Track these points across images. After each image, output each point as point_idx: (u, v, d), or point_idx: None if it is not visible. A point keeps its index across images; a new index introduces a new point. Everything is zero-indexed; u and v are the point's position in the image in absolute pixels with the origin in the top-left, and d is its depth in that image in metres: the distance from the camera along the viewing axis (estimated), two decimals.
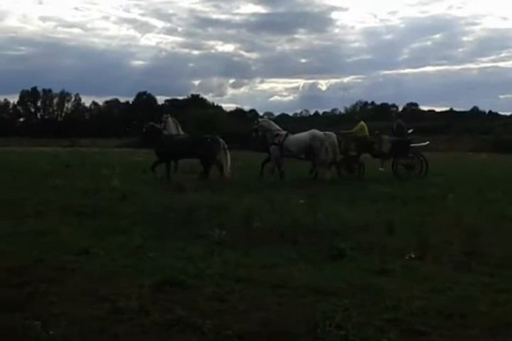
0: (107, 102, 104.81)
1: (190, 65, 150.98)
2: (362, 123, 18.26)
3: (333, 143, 16.82)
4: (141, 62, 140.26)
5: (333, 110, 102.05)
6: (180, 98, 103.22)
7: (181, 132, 18.04)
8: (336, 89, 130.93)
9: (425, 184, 15.08)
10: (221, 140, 16.36)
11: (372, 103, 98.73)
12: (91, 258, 6.67)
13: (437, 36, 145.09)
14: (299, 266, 6.43)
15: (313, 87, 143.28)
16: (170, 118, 18.04)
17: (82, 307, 4.85)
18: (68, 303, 4.97)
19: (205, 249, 7.27)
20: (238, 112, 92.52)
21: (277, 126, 17.59)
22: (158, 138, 16.71)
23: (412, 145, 18.03)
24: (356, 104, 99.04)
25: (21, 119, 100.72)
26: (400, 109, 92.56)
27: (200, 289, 5.43)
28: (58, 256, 6.68)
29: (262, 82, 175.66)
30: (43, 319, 4.50)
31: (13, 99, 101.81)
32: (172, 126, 17.69)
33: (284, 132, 17.25)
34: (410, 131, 18.67)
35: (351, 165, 17.48)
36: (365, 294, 5.35)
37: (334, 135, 17.21)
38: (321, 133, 17.00)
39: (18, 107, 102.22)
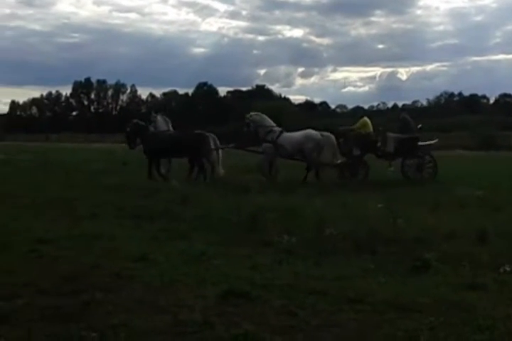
0: (164, 94, 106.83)
1: (255, 52, 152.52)
2: (365, 119, 17.94)
3: (331, 145, 16.65)
4: (201, 50, 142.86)
5: (414, 102, 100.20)
6: (243, 89, 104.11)
7: (171, 129, 18.60)
8: (417, 79, 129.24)
9: None
10: (212, 136, 16.75)
11: (460, 94, 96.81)
12: (150, 265, 6.82)
13: None
14: (377, 278, 6.38)
15: (391, 76, 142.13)
16: (159, 117, 18.70)
17: (142, 319, 4.96)
18: (126, 314, 5.08)
19: (273, 257, 7.32)
20: (308, 105, 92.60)
21: (271, 122, 17.54)
22: (145, 136, 17.28)
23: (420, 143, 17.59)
24: (441, 95, 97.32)
25: (74, 113, 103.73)
26: (492, 100, 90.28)
27: (268, 301, 5.46)
28: (115, 262, 6.86)
29: (334, 70, 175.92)
30: (100, 330, 4.62)
31: (66, 91, 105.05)
32: (162, 124, 18.25)
33: (278, 129, 17.20)
34: (419, 126, 18.18)
35: (355, 167, 17.15)
36: (453, 311, 5.25)
37: (332, 136, 16.92)
38: (317, 133, 16.83)
39: (71, 100, 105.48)
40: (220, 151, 16.83)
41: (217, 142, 16.91)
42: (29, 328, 4.66)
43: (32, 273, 6.36)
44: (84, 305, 5.30)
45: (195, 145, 16.37)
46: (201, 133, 17.00)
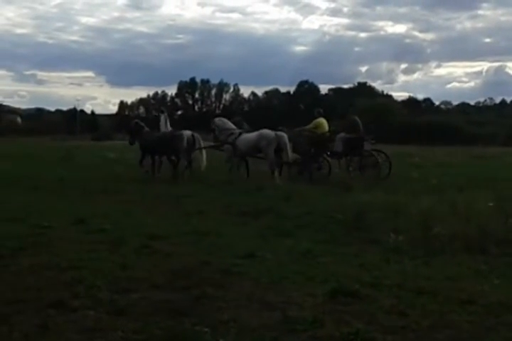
0: (266, 92, 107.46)
1: (357, 49, 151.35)
2: (320, 120, 18.48)
3: (284, 144, 16.92)
4: (302, 48, 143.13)
5: None
6: (345, 86, 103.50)
7: (169, 128, 20.54)
8: None
9: None
10: (195, 135, 17.86)
11: None
12: (258, 262, 6.89)
13: None
14: (490, 279, 6.19)
15: (499, 70, 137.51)
16: (162, 116, 20.98)
17: (252, 315, 5.02)
18: (237, 310, 5.16)
19: (380, 256, 7.24)
20: (411, 101, 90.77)
21: (232, 125, 18.55)
22: (140, 135, 18.87)
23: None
24: None
25: (179, 112, 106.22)
26: None
27: (377, 301, 5.40)
28: (224, 259, 6.97)
29: (438, 66, 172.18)
30: (211, 325, 4.71)
31: (171, 91, 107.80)
32: (162, 123, 20.31)
33: (238, 131, 18.06)
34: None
35: (309, 166, 17.83)
36: None
37: (285, 135, 17.21)
38: (270, 132, 17.19)
39: (176, 99, 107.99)
40: (204, 151, 18.13)
41: (201, 141, 18.09)
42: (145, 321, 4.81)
43: (145, 268, 6.56)
44: (196, 300, 5.41)
45: (171, 144, 17.54)
46: (176, 134, 18.07)
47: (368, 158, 17.82)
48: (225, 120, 19.08)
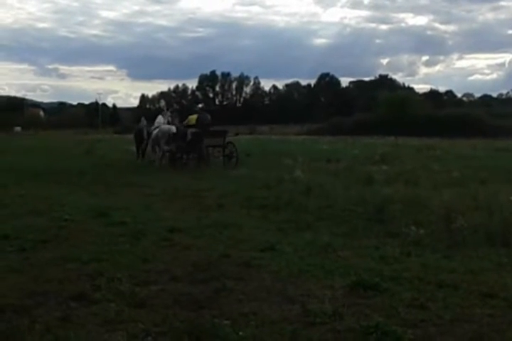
0: (287, 85, 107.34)
1: (378, 41, 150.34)
2: (193, 116, 20.82)
3: (164, 136, 19.90)
4: (323, 41, 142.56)
5: None
6: (366, 79, 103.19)
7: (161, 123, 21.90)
8: None
9: None
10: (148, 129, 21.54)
11: None
12: (277, 255, 6.87)
13: None
14: None
15: None
16: (162, 113, 22.75)
17: (272, 308, 5.01)
18: (256, 303, 5.16)
19: (401, 249, 7.19)
20: (432, 94, 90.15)
21: (159, 122, 21.25)
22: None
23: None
24: None
25: (200, 105, 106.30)
26: None
27: (397, 294, 5.36)
28: (243, 252, 6.98)
29: (460, 58, 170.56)
30: (231, 318, 4.72)
31: (192, 84, 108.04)
32: (158, 119, 21.75)
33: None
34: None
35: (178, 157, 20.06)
36: None
37: (164, 129, 20.09)
38: (165, 127, 20.20)
39: (197, 93, 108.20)
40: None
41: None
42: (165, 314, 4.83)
43: (165, 260, 6.59)
44: (216, 293, 5.42)
45: (137, 136, 22.07)
46: (140, 129, 22.41)
47: (227, 149, 20.29)
48: (160, 116, 21.89)
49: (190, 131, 19.80)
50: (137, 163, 21.33)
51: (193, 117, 20.73)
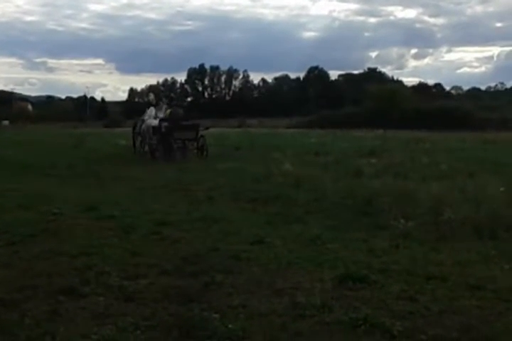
0: (276, 79, 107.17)
1: (366, 34, 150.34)
2: (170, 110, 22.11)
3: (148, 131, 20.97)
4: (312, 34, 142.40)
5: None
6: (355, 72, 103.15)
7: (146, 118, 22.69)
8: None
9: None
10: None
11: None
12: (266, 248, 6.88)
13: None
14: (500, 264, 6.16)
15: (510, 55, 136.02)
16: (150, 108, 23.47)
17: (261, 301, 5.01)
18: (245, 296, 5.15)
19: (389, 242, 7.22)
20: (421, 87, 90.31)
21: (149, 115, 22.08)
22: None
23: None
24: None
25: (189, 99, 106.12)
26: None
27: (386, 286, 5.38)
28: (233, 245, 6.97)
29: (448, 51, 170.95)
30: (221, 311, 4.71)
31: (180, 78, 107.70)
32: (148, 114, 22.47)
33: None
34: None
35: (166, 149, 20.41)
36: None
37: (148, 123, 21.12)
38: (152, 121, 20.91)
39: (186, 86, 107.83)
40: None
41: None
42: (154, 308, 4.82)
43: (154, 254, 6.57)
44: (205, 286, 5.42)
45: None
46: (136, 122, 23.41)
47: (199, 141, 20.87)
48: (148, 111, 22.83)
49: (163, 124, 20.48)
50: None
51: (167, 112, 21.92)
